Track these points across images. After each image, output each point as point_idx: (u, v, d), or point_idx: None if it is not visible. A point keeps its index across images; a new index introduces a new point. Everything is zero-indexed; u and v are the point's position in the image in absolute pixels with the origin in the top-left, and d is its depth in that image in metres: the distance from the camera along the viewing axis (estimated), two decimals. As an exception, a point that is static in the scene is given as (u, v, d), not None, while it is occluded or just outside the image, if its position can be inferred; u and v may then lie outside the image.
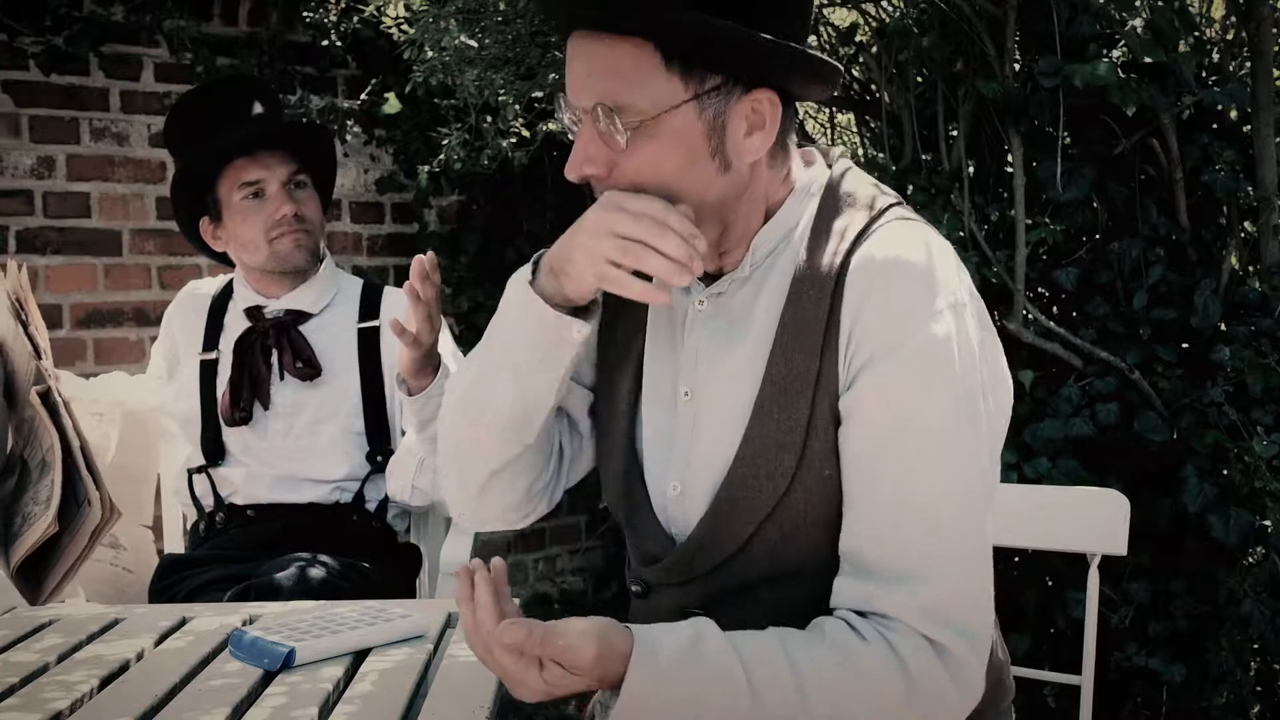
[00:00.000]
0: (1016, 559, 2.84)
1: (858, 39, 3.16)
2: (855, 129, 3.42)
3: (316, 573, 2.03)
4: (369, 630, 1.39)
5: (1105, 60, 2.59)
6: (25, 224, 3.28)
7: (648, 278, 1.17)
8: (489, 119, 3.03)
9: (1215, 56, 2.88)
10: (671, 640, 1.10)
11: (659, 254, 1.14)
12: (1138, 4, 2.72)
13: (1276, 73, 2.74)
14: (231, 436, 2.27)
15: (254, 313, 2.30)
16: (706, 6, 1.12)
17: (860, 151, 3.40)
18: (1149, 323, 2.73)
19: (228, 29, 3.58)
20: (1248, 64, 2.76)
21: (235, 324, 2.32)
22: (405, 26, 3.09)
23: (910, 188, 2.93)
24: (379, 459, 2.25)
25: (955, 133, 2.87)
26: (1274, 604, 2.56)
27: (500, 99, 2.80)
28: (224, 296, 2.38)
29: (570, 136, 1.23)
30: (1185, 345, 2.75)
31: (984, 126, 2.85)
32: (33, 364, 1.86)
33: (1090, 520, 1.79)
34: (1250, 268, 2.85)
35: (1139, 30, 2.69)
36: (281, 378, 2.27)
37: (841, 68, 1.22)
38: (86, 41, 3.29)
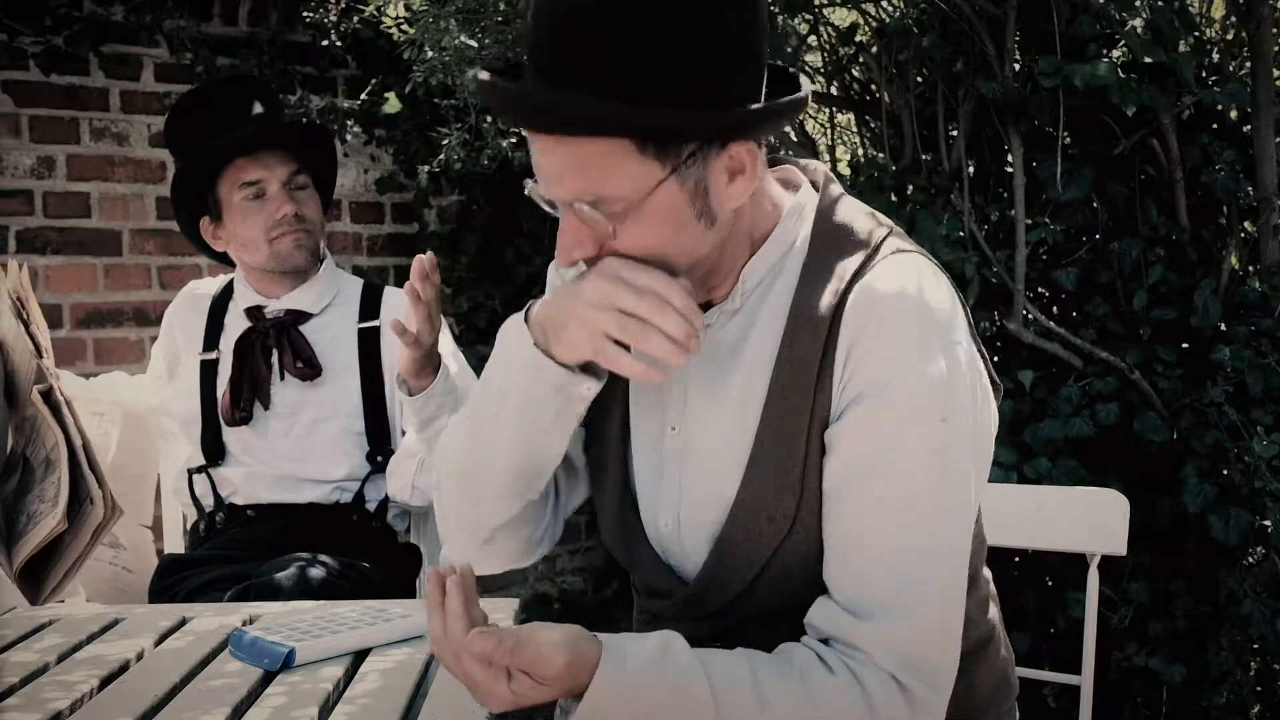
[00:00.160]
0: (1016, 559, 2.85)
1: (858, 39, 3.16)
2: (855, 129, 3.42)
3: (316, 573, 2.03)
4: (369, 630, 1.39)
5: (1105, 60, 2.59)
6: (25, 224, 3.28)
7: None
8: (489, 119, 3.03)
9: (1215, 56, 2.89)
10: (638, 650, 1.09)
11: (659, 332, 1.11)
12: (1138, 4, 2.72)
13: (1276, 73, 2.74)
14: (231, 436, 2.27)
15: (254, 313, 2.30)
16: (672, 94, 1.07)
17: (860, 151, 3.40)
18: (1149, 323, 2.73)
19: (228, 29, 3.58)
20: (1248, 64, 2.76)
21: (235, 324, 2.32)
22: (405, 26, 3.09)
23: (910, 188, 2.93)
24: (379, 459, 2.25)
25: (955, 133, 2.87)
26: (1274, 604, 2.56)
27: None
28: (224, 296, 2.38)
29: (545, 208, 1.19)
30: (1185, 345, 2.75)
31: (984, 126, 2.85)
32: (34, 363, 1.86)
33: (1090, 520, 1.79)
34: (1250, 268, 2.85)
35: (1139, 30, 2.69)
36: (282, 378, 2.27)
37: (809, 96, 1.18)
38: (86, 41, 3.29)
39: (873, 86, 3.17)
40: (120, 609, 1.62)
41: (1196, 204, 2.79)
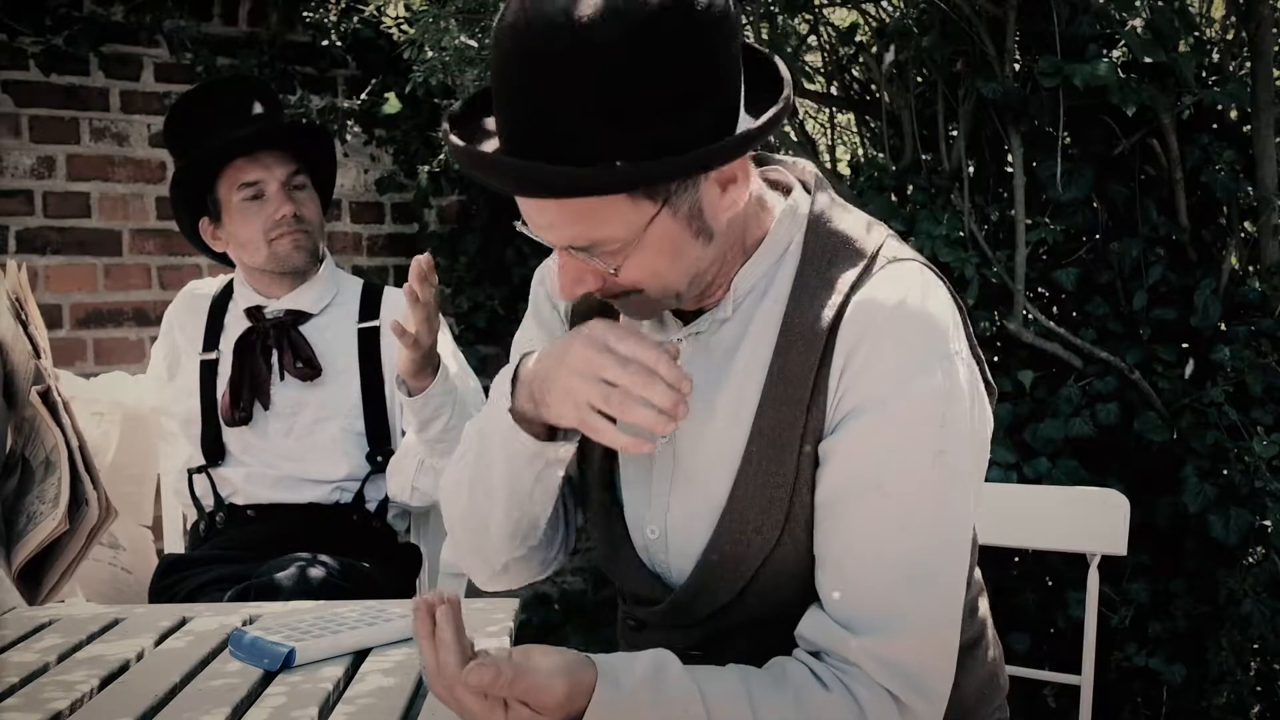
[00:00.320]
0: (1016, 559, 2.84)
1: (858, 39, 3.16)
2: (855, 129, 3.42)
3: (316, 573, 2.03)
4: (369, 630, 1.39)
5: (1105, 60, 2.59)
6: (25, 224, 3.28)
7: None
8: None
9: (1215, 56, 2.88)
10: (630, 670, 1.08)
11: (645, 403, 1.09)
12: (1138, 4, 2.72)
13: (1276, 73, 2.74)
14: (231, 436, 2.27)
15: (254, 313, 2.30)
16: (660, 143, 1.04)
17: (860, 151, 3.40)
18: (1149, 323, 2.73)
19: (228, 29, 3.59)
20: (1248, 64, 2.76)
21: (235, 324, 2.32)
22: (405, 26, 3.09)
23: (910, 188, 2.93)
24: (379, 459, 2.25)
25: (955, 133, 2.87)
26: (1274, 604, 2.56)
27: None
28: (224, 296, 2.38)
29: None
30: (1185, 345, 2.75)
31: (984, 126, 2.84)
32: (32, 363, 1.86)
33: (1090, 520, 1.79)
34: (1250, 268, 2.85)
35: (1139, 30, 2.69)
36: (282, 378, 2.27)
37: (791, 103, 1.15)
38: (86, 41, 3.30)
39: (873, 86, 3.17)
40: (120, 609, 1.62)
41: (1196, 204, 2.79)
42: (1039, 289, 2.96)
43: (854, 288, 1.17)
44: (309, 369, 2.25)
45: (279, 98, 2.41)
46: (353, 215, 3.87)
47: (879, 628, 1.12)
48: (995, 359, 2.82)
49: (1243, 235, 2.84)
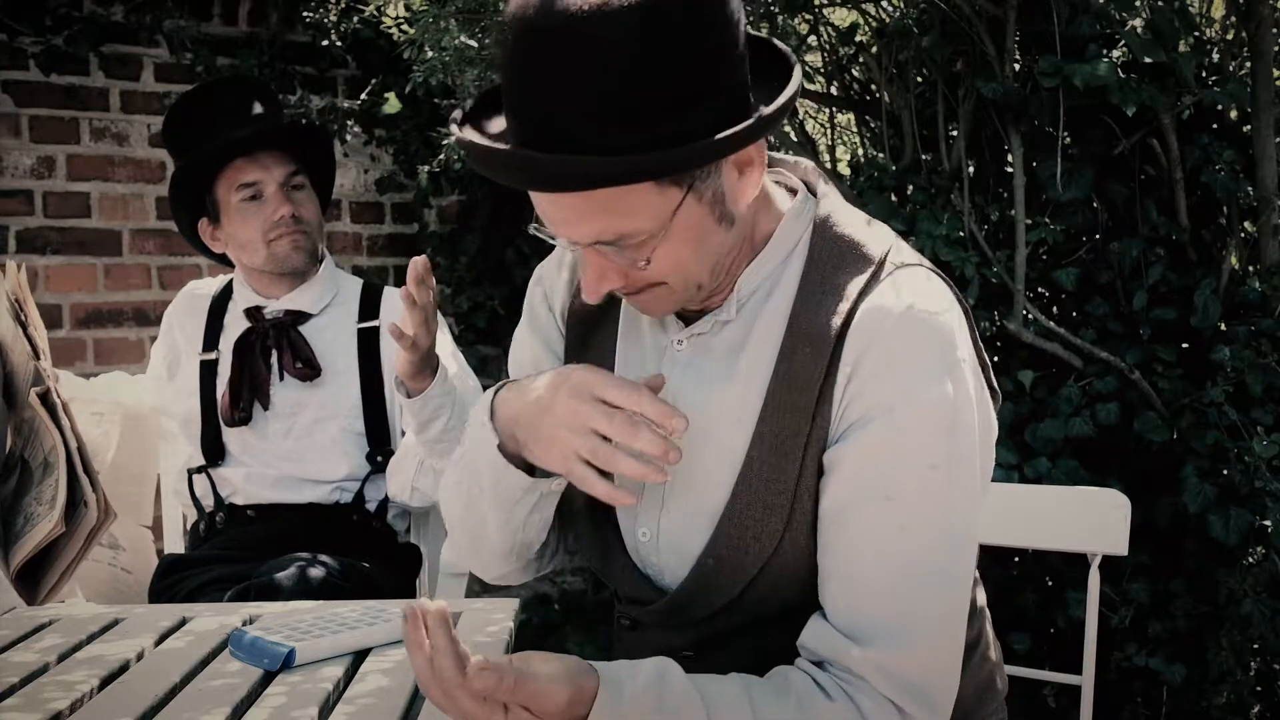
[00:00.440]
0: (1016, 559, 2.84)
1: (858, 39, 3.16)
2: (855, 129, 3.42)
3: (316, 573, 2.03)
4: (369, 630, 1.39)
5: (1105, 60, 2.59)
6: (25, 224, 3.28)
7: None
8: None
9: (1215, 56, 2.88)
10: (633, 678, 1.07)
11: (631, 454, 1.08)
12: (1138, 4, 2.72)
13: (1276, 73, 2.73)
14: (231, 437, 2.27)
15: (254, 313, 2.31)
16: (685, 128, 1.03)
17: (860, 151, 3.40)
18: (1149, 323, 2.73)
19: (228, 29, 3.59)
20: (1248, 64, 2.76)
21: (235, 324, 2.32)
22: (405, 26, 3.09)
23: (910, 188, 2.93)
24: (379, 459, 2.26)
25: (955, 133, 2.87)
26: (1274, 604, 2.56)
27: (500, 99, 2.79)
28: (224, 297, 2.38)
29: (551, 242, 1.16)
30: (1185, 345, 2.75)
31: (984, 126, 2.84)
32: (31, 364, 1.86)
33: (1090, 520, 1.79)
34: (1250, 268, 2.85)
35: (1139, 30, 2.69)
36: (281, 378, 2.27)
37: (800, 74, 1.15)
38: (86, 41, 3.30)
39: (873, 86, 3.17)
40: (120, 609, 1.62)
41: (1196, 204, 2.79)
42: (1039, 289, 2.96)
43: (862, 294, 1.16)
44: (309, 369, 2.25)
45: (279, 98, 2.41)
46: (353, 215, 3.87)
47: (884, 638, 1.12)
48: (995, 359, 2.81)
49: (1243, 235, 2.83)
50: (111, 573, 2.34)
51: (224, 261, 2.37)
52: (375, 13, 3.34)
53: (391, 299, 2.34)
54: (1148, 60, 2.58)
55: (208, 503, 2.28)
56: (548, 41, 1.02)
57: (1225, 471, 2.59)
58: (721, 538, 1.20)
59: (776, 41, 1.18)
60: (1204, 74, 2.77)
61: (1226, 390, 2.58)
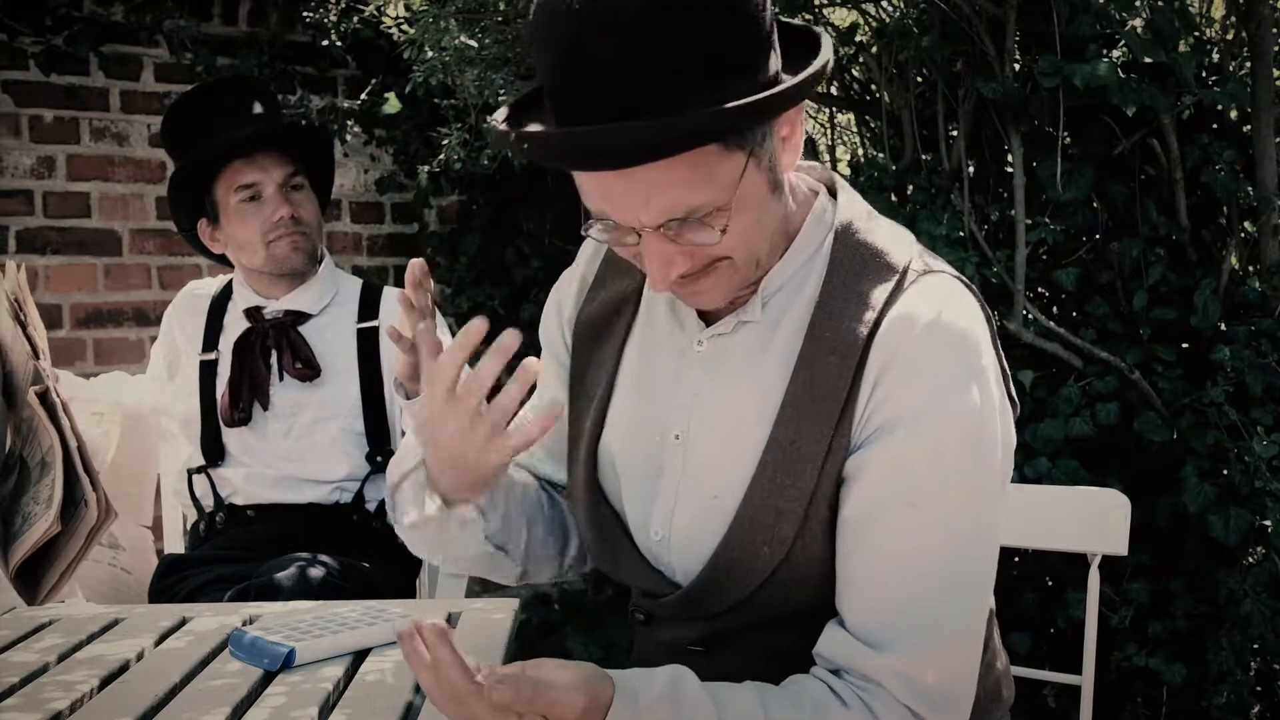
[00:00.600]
0: (1016, 559, 2.84)
1: (858, 39, 3.16)
2: (855, 129, 3.42)
3: (316, 573, 2.03)
4: (369, 630, 1.39)
5: (1105, 60, 2.59)
6: (25, 224, 3.28)
7: None
8: (489, 119, 3.02)
9: (1215, 56, 2.88)
10: (649, 686, 1.07)
11: None
12: (1138, 4, 2.72)
13: (1276, 73, 2.73)
14: (231, 437, 2.27)
15: (253, 313, 2.31)
16: (747, 80, 1.04)
17: (860, 151, 3.40)
18: (1149, 323, 2.73)
19: (228, 29, 3.59)
20: (1248, 64, 2.76)
21: (235, 324, 2.32)
22: (405, 26, 3.09)
23: (910, 188, 2.93)
24: (379, 459, 2.25)
25: (955, 133, 2.87)
26: (1274, 604, 2.56)
27: (500, 99, 2.80)
28: (223, 297, 2.38)
29: (611, 245, 1.15)
30: (1185, 345, 2.75)
31: (984, 126, 2.84)
32: (31, 364, 1.86)
33: (1090, 520, 1.79)
34: (1250, 268, 2.85)
35: (1139, 30, 2.69)
36: (281, 378, 2.27)
37: (834, 49, 1.19)
38: (86, 41, 3.30)
39: (873, 86, 3.17)
40: (120, 609, 1.62)
41: (1196, 204, 2.79)
42: (1039, 289, 2.96)
43: (888, 303, 1.16)
44: (308, 369, 2.25)
45: (278, 98, 2.41)
46: (353, 215, 3.87)
47: (902, 644, 1.11)
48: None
49: (1243, 235, 2.83)
50: (111, 573, 2.34)
51: (224, 262, 2.37)
52: (375, 13, 3.35)
53: (391, 299, 2.34)
54: (1148, 60, 2.58)
55: (207, 503, 2.28)
56: (611, 10, 1.01)
57: (1225, 471, 2.59)
58: (733, 540, 1.20)
59: (792, 20, 1.19)
60: (1204, 74, 2.77)
61: (1226, 390, 2.58)
